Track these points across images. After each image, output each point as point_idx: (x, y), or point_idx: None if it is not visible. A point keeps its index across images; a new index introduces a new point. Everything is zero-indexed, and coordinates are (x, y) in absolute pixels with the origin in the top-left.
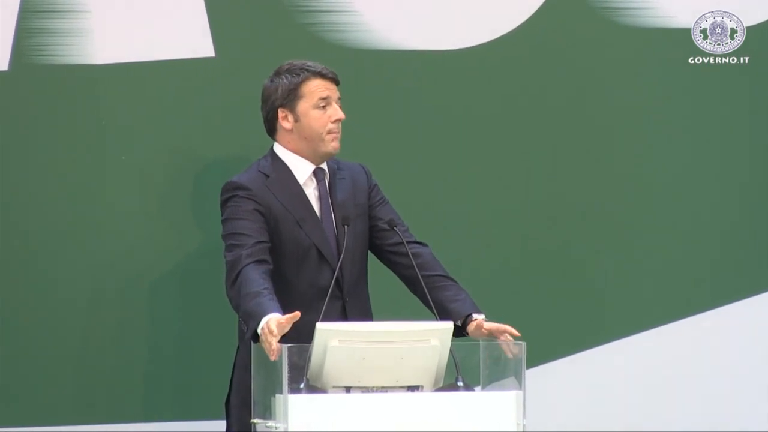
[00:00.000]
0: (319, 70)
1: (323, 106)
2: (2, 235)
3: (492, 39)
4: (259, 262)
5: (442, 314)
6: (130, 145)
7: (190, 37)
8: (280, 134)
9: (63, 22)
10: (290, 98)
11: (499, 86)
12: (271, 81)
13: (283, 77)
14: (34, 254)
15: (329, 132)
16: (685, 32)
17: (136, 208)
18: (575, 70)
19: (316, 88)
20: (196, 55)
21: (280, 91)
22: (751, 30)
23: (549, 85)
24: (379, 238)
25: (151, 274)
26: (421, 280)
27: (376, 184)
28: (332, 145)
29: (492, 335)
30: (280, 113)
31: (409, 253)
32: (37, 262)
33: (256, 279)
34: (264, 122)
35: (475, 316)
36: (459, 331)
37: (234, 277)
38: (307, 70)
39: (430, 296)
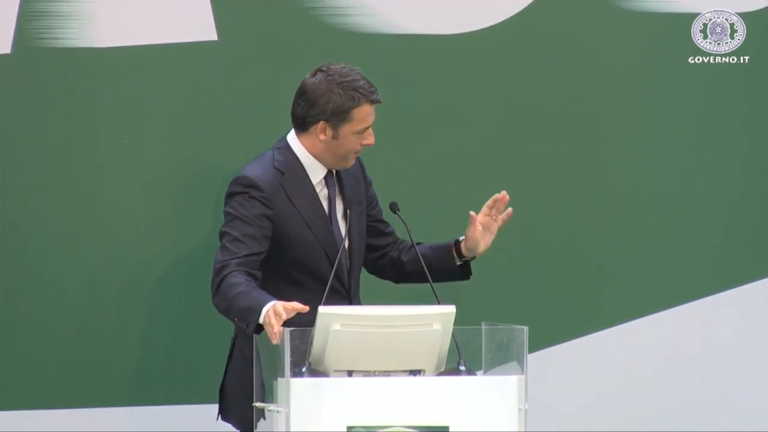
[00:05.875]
0: (372, 97)
1: (362, 132)
2: (2, 220)
3: (494, 23)
4: (245, 273)
5: (434, 263)
6: (131, 129)
7: (192, 21)
8: (308, 136)
9: (66, 5)
10: (339, 118)
11: (501, 71)
12: (319, 82)
13: (336, 92)
14: (38, 243)
15: (354, 152)
16: (685, 31)
17: (135, 193)
18: (576, 71)
19: (365, 116)
20: (198, 38)
21: (330, 106)
22: (751, 29)
23: (550, 82)
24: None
25: (151, 264)
26: (415, 248)
27: (371, 181)
28: (348, 162)
29: (485, 225)
30: (321, 125)
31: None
32: (39, 250)
33: (242, 281)
34: (295, 115)
35: (460, 238)
36: (462, 270)
37: (218, 284)
38: (361, 94)
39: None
